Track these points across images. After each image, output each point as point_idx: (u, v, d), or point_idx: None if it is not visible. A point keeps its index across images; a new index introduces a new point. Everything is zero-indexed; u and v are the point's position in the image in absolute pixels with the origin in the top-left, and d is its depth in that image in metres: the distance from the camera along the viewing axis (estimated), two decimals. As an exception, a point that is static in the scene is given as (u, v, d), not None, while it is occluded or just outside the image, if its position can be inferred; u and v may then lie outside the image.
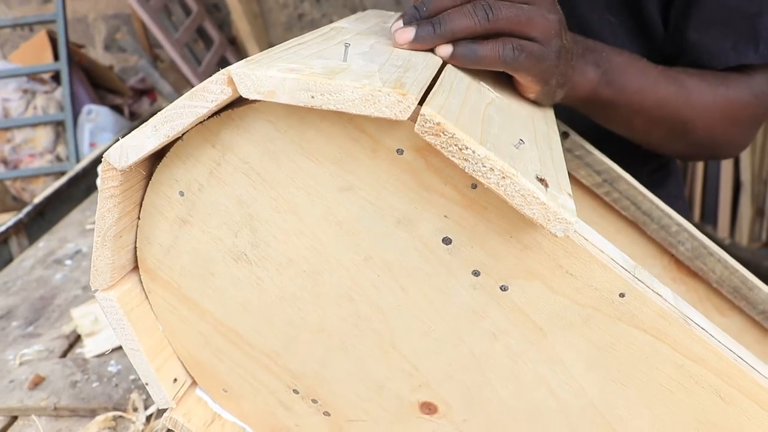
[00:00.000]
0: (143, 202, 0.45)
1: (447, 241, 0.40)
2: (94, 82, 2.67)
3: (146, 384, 0.50)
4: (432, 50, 0.46)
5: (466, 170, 0.34)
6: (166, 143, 0.40)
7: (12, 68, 2.44)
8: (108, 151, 0.40)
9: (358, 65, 0.38)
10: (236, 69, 0.36)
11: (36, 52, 2.52)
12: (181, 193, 0.44)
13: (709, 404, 0.42)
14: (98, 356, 0.88)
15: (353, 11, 2.83)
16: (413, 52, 0.45)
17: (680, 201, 0.89)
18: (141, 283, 0.49)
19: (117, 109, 2.65)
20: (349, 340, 0.45)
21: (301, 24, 2.97)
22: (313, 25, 2.95)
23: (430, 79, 0.39)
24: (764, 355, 0.66)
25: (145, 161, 0.42)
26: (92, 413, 0.77)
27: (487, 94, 0.45)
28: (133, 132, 0.40)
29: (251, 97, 0.36)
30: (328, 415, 0.50)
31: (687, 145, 0.68)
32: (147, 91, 2.82)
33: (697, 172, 2.45)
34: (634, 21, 0.72)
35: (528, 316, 0.41)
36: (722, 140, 0.68)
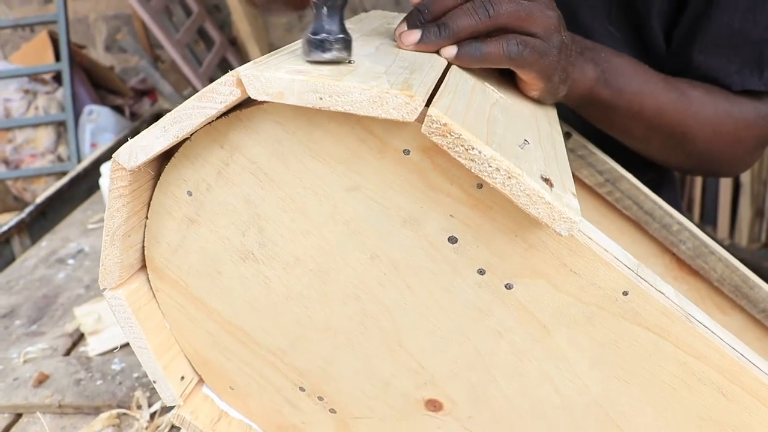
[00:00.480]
0: (151, 202, 0.46)
1: (453, 240, 0.40)
2: (95, 83, 2.67)
3: (154, 382, 0.50)
4: (437, 51, 0.46)
5: (473, 170, 0.35)
6: (175, 143, 0.41)
7: (13, 69, 2.44)
8: (117, 151, 0.41)
9: (365, 67, 0.39)
10: (245, 71, 0.37)
11: (37, 53, 2.52)
12: (189, 193, 0.44)
13: (711, 401, 0.42)
14: (102, 354, 0.89)
15: (353, 12, 2.83)
16: (418, 53, 0.45)
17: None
18: (149, 282, 0.49)
19: (118, 109, 2.66)
20: (355, 338, 0.46)
21: (301, 25, 2.97)
22: (314, 25, 2.95)
23: (436, 81, 0.40)
24: (765, 352, 0.66)
25: (153, 161, 0.43)
26: (96, 411, 0.78)
27: (492, 94, 0.45)
28: (142, 132, 0.40)
29: (260, 98, 0.36)
30: (334, 412, 0.50)
31: (685, 157, 0.67)
32: (148, 92, 2.83)
33: (697, 173, 2.46)
34: (634, 35, 0.72)
35: (532, 314, 0.42)
36: (722, 156, 0.67)
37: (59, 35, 2.41)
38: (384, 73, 0.38)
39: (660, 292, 0.40)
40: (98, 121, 2.38)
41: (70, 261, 1.19)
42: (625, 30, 0.72)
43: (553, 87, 0.51)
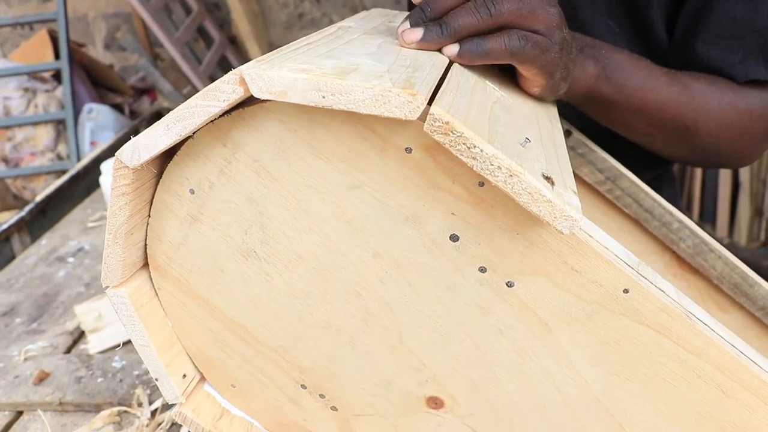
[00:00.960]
0: (154, 200, 0.46)
1: (454, 238, 0.40)
2: (94, 81, 2.67)
3: (156, 380, 0.50)
4: (439, 50, 0.46)
5: (474, 168, 0.35)
6: (178, 142, 0.41)
7: (13, 67, 2.44)
8: (120, 149, 0.41)
9: (367, 65, 0.39)
10: (248, 69, 0.37)
11: (37, 51, 2.52)
12: (192, 191, 0.44)
13: (711, 398, 0.43)
14: (102, 352, 0.89)
15: (353, 11, 2.83)
16: (420, 51, 0.46)
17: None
18: (151, 279, 0.49)
19: (117, 107, 2.65)
20: (357, 335, 0.46)
21: (301, 23, 2.97)
22: (313, 24, 2.95)
23: (438, 79, 0.40)
24: (765, 350, 0.66)
25: (155, 159, 0.43)
26: (97, 408, 0.78)
27: (493, 92, 0.46)
28: (145, 131, 0.41)
29: (263, 96, 0.37)
30: (336, 409, 0.51)
31: (690, 150, 0.67)
32: (147, 90, 2.83)
33: (696, 172, 2.46)
34: (635, 30, 0.72)
35: (533, 311, 0.42)
36: (728, 149, 0.66)
37: (59, 33, 2.40)
38: (386, 71, 0.38)
39: (660, 289, 0.41)
40: (98, 120, 2.38)
41: (70, 259, 1.20)
42: (625, 24, 0.72)
43: (554, 84, 0.51)
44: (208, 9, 3.00)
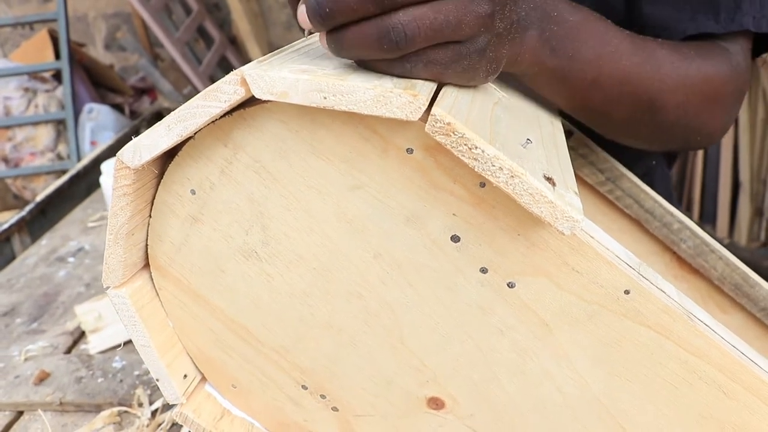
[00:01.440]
0: (155, 200, 0.46)
1: (455, 238, 0.40)
2: (94, 81, 2.67)
3: (157, 380, 0.50)
4: None
5: (476, 169, 0.35)
6: (179, 142, 0.41)
7: (13, 67, 2.44)
8: (121, 150, 0.41)
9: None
10: (249, 70, 0.37)
11: (37, 51, 2.52)
12: (193, 192, 0.44)
13: (712, 399, 0.43)
14: (103, 352, 0.89)
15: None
16: None
17: None
18: (152, 280, 0.49)
19: (117, 107, 2.66)
20: (358, 336, 0.46)
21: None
22: (314, 24, 2.94)
23: None
24: (766, 351, 0.66)
25: (156, 160, 0.43)
26: (97, 408, 0.78)
27: (494, 93, 0.46)
28: (146, 131, 0.41)
29: (264, 97, 0.37)
30: (337, 410, 0.51)
31: (655, 128, 0.58)
32: (147, 90, 2.83)
33: (696, 172, 2.46)
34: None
35: (534, 312, 0.42)
36: (697, 122, 0.59)
37: (59, 33, 2.40)
38: (388, 72, 0.38)
39: (661, 290, 0.41)
40: (98, 120, 2.38)
41: (71, 259, 1.20)
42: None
43: (480, 80, 0.43)
44: (208, 9, 3.00)
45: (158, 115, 2.11)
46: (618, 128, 0.59)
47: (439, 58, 0.38)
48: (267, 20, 3.01)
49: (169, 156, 0.44)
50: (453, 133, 0.34)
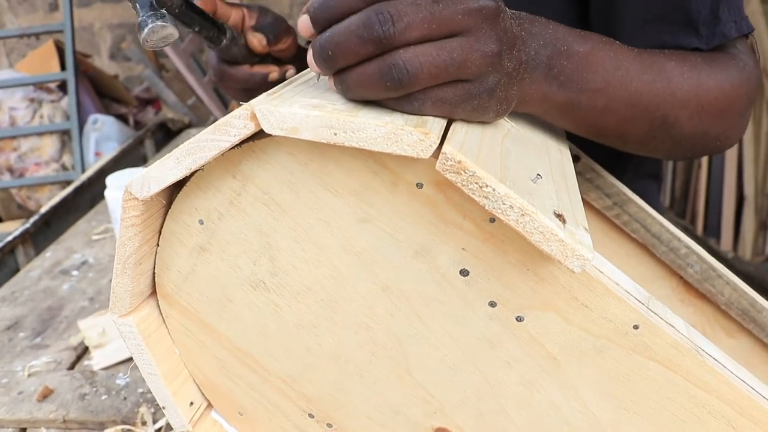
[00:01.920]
0: (162, 230, 0.46)
1: (464, 272, 0.40)
2: (99, 91, 2.68)
3: (163, 408, 0.50)
4: None
5: (486, 207, 0.35)
6: (188, 174, 0.41)
7: (19, 77, 2.45)
8: (130, 181, 0.41)
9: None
10: (259, 105, 0.37)
11: (43, 62, 2.53)
12: (201, 222, 0.44)
13: (721, 434, 0.43)
14: (106, 368, 0.89)
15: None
16: None
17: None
18: (159, 307, 0.49)
19: (122, 118, 2.66)
20: (365, 366, 0.46)
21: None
22: (318, 35, 2.95)
23: None
24: (773, 379, 0.66)
25: (164, 190, 0.43)
26: (101, 426, 0.78)
27: (503, 124, 0.45)
28: (155, 164, 0.41)
29: (274, 133, 0.37)
30: (343, 439, 0.50)
31: (673, 142, 0.58)
32: (152, 101, 2.84)
33: (700, 186, 2.46)
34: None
35: (543, 345, 0.42)
36: (714, 129, 0.58)
37: (65, 44, 2.41)
38: (398, 107, 0.38)
39: (671, 325, 0.40)
40: (103, 130, 2.39)
41: (75, 272, 1.20)
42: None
43: (489, 118, 0.43)
44: (214, 20, 3.01)
45: (162, 126, 2.12)
46: (635, 146, 0.59)
47: (448, 96, 0.38)
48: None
49: (177, 186, 0.44)
50: (464, 171, 0.34)
